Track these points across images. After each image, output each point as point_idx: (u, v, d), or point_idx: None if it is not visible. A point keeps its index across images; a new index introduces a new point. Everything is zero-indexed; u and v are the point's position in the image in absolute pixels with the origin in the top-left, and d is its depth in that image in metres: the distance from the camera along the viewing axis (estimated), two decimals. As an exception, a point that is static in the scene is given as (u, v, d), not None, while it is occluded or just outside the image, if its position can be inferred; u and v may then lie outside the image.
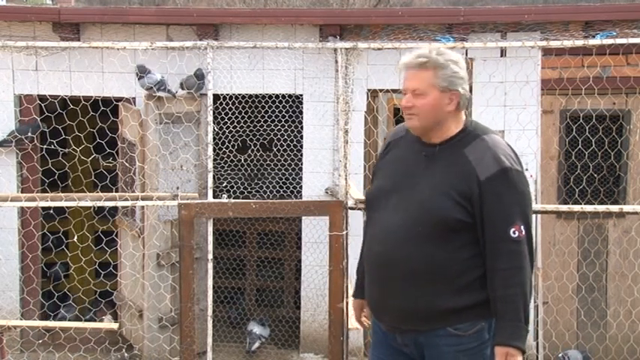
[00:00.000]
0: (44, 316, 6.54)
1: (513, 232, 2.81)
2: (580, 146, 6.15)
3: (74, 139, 6.99)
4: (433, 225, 2.83)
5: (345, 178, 5.48)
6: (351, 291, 4.74)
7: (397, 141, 3.10)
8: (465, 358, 2.91)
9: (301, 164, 6.42)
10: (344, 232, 5.06)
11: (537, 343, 5.89)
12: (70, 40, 6.19)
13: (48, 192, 6.25)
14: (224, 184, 6.99)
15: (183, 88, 6.11)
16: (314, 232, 6.25)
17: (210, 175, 5.85)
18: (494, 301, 2.84)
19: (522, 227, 2.82)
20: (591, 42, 5.63)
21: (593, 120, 6.03)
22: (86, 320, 6.61)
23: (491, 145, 2.88)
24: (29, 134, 6.28)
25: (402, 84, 2.97)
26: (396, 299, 2.91)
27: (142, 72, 5.91)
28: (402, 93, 2.98)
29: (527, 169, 5.98)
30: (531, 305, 6.07)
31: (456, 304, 2.85)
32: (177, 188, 5.93)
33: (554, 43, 5.54)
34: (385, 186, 2.99)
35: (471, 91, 6.30)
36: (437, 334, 2.90)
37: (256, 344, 6.45)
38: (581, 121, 6.11)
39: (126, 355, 6.17)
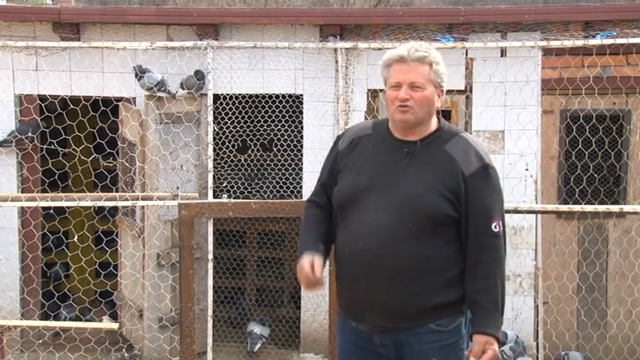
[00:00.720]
0: (44, 316, 6.54)
1: (494, 227, 2.89)
2: (580, 146, 6.15)
3: (74, 139, 6.99)
4: (424, 221, 2.85)
5: (346, 178, 5.47)
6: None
7: (363, 138, 3.05)
8: (445, 354, 2.94)
9: (301, 164, 6.42)
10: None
11: (537, 343, 5.90)
12: (70, 40, 6.20)
13: (48, 192, 6.26)
14: (224, 184, 6.99)
15: (183, 88, 6.11)
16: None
17: (211, 175, 5.85)
18: (474, 292, 2.88)
19: (501, 222, 2.93)
20: (591, 42, 5.64)
21: (594, 120, 6.04)
22: (86, 320, 6.61)
23: (471, 143, 2.96)
24: (29, 134, 6.28)
25: (393, 76, 2.92)
26: (383, 296, 2.90)
27: (141, 72, 5.91)
28: (392, 86, 2.92)
29: (527, 169, 6.07)
30: (531, 305, 6.10)
31: (441, 300, 2.89)
32: (178, 188, 5.93)
33: (555, 43, 5.54)
34: (361, 183, 2.95)
35: (470, 91, 6.36)
36: (419, 332, 2.92)
37: (258, 345, 6.45)
38: (581, 121, 6.11)
39: (126, 355, 6.17)
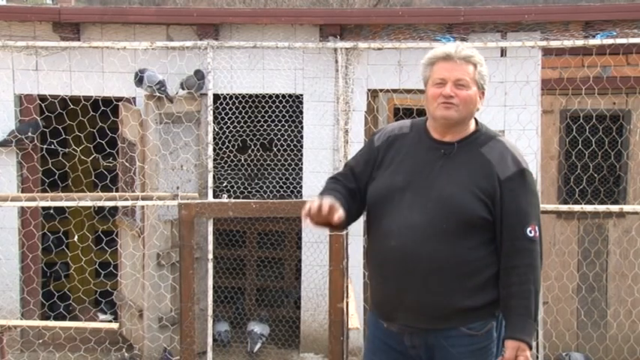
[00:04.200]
0: (44, 316, 6.54)
1: (530, 232, 2.87)
2: (580, 146, 6.15)
3: (74, 138, 6.99)
4: (457, 222, 2.83)
5: (346, 178, 5.47)
6: (351, 291, 4.74)
7: (400, 137, 3.04)
8: (476, 358, 2.93)
9: (301, 164, 6.42)
10: (344, 232, 5.06)
11: (537, 343, 5.89)
12: (70, 40, 6.20)
13: (48, 192, 6.26)
14: (224, 184, 6.99)
15: (183, 88, 6.11)
16: (314, 231, 6.24)
17: (211, 175, 5.86)
18: (507, 297, 2.87)
19: (537, 227, 2.89)
20: (591, 42, 5.64)
21: (594, 120, 6.03)
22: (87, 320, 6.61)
23: (508, 147, 2.95)
24: (29, 134, 6.28)
25: (437, 73, 2.89)
26: (415, 296, 2.88)
27: (141, 72, 5.92)
28: (436, 83, 2.89)
29: (527, 169, 6.06)
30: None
31: (474, 303, 2.87)
32: (178, 188, 5.94)
33: (555, 43, 5.54)
34: (396, 183, 2.94)
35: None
36: (450, 334, 2.90)
37: (258, 344, 6.45)
38: (581, 121, 6.11)
39: (126, 354, 6.17)
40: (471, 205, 2.84)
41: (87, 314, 6.83)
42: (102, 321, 6.70)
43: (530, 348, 2.86)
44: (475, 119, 3.00)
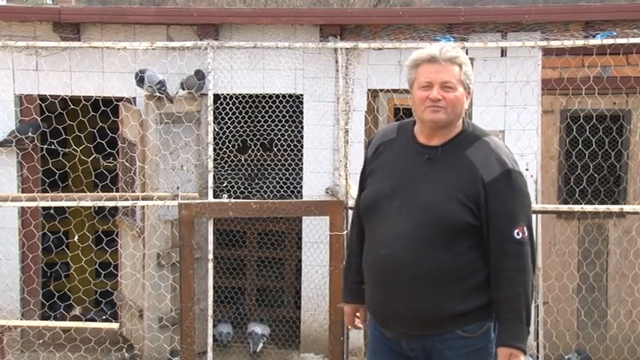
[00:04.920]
0: (44, 316, 6.54)
1: (517, 234, 2.83)
2: (580, 146, 6.15)
3: (74, 139, 6.99)
4: (442, 228, 2.81)
5: (346, 178, 5.48)
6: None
7: (388, 143, 3.03)
8: (474, 359, 2.92)
9: (301, 164, 6.42)
10: (344, 232, 5.06)
11: (538, 343, 5.89)
12: (71, 40, 6.19)
13: (48, 192, 6.26)
14: (224, 184, 6.99)
15: (183, 88, 6.11)
16: (314, 232, 6.25)
17: (211, 175, 5.85)
18: (497, 302, 2.85)
19: (525, 228, 2.85)
20: (592, 42, 5.63)
21: (594, 120, 6.03)
22: (86, 320, 6.61)
23: (493, 147, 2.89)
24: (30, 134, 6.28)
25: (423, 76, 2.87)
26: (405, 304, 2.87)
27: (141, 72, 5.91)
28: (423, 86, 2.87)
29: (527, 169, 6.07)
30: (532, 305, 6.08)
31: (465, 307, 2.85)
32: (178, 188, 5.93)
33: (555, 43, 5.54)
34: (384, 190, 2.94)
35: (471, 91, 6.31)
36: (446, 338, 2.89)
37: (260, 345, 6.45)
38: (581, 121, 6.11)
39: (126, 355, 6.17)
40: (455, 211, 2.81)
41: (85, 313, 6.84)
42: (80, 314, 6.74)
43: (525, 353, 2.85)
44: (462, 119, 2.97)
